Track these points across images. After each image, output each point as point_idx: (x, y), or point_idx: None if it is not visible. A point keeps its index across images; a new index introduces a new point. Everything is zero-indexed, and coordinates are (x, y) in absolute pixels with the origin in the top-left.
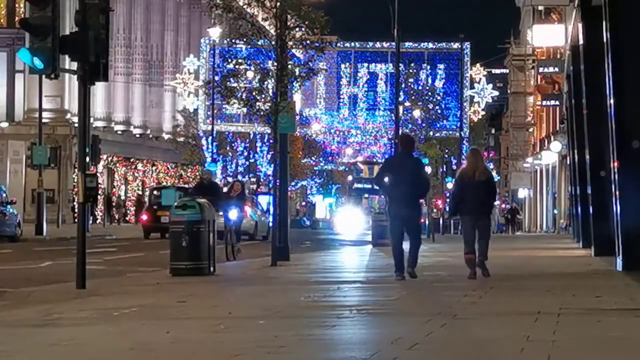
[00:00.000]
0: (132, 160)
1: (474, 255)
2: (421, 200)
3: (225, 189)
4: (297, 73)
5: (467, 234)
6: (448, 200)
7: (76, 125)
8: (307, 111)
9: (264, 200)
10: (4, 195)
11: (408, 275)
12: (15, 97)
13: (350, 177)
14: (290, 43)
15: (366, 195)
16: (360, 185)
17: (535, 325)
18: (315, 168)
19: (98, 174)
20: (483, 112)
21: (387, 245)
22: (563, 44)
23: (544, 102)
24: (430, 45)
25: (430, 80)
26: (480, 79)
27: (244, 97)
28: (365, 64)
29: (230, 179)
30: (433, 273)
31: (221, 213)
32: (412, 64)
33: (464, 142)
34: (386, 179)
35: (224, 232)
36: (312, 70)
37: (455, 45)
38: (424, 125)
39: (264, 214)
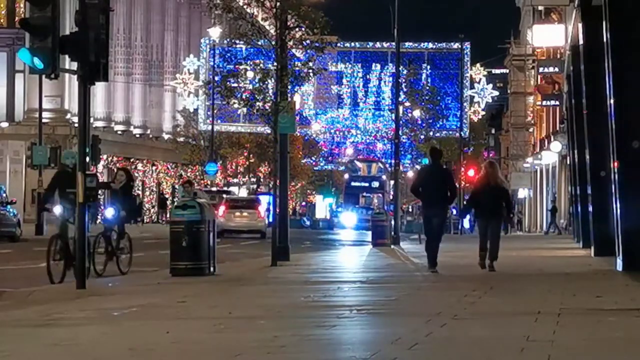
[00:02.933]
0: (132, 160)
1: (485, 252)
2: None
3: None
4: (297, 73)
5: (481, 232)
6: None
7: (76, 125)
8: (306, 111)
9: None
10: (4, 195)
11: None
12: (15, 97)
13: (346, 175)
14: (290, 43)
15: (363, 194)
16: (357, 184)
17: (535, 325)
18: (315, 168)
19: (98, 174)
20: (483, 112)
21: (387, 245)
22: (563, 44)
23: (544, 102)
24: (430, 45)
25: (430, 80)
26: (480, 79)
27: (244, 97)
28: (365, 64)
29: (232, 180)
30: (432, 273)
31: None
32: (413, 65)
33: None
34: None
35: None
36: (312, 70)
37: (455, 45)
38: (424, 125)
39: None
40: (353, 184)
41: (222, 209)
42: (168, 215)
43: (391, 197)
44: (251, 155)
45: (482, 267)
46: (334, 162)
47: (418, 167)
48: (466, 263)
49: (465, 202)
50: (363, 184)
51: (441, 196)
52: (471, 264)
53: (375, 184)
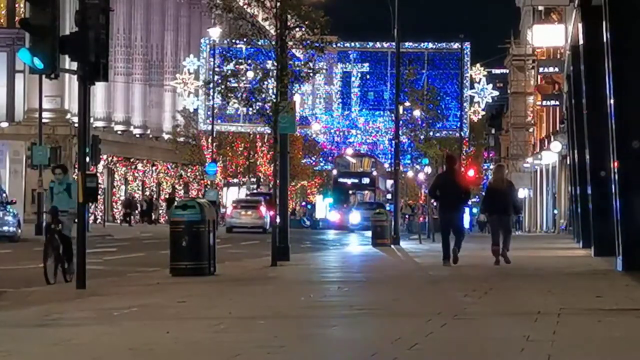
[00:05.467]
0: (132, 160)
1: (498, 247)
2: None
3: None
4: (297, 73)
5: (494, 230)
6: None
7: (76, 125)
8: (307, 111)
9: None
10: (4, 195)
11: (452, 262)
12: (15, 97)
13: (335, 171)
14: (290, 43)
15: (353, 191)
16: (345, 180)
17: (535, 325)
18: (315, 168)
19: (98, 174)
20: (483, 112)
21: (387, 244)
22: (563, 44)
23: (544, 102)
24: (430, 45)
25: (429, 80)
26: (480, 79)
27: (244, 97)
28: (365, 64)
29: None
30: (433, 273)
31: None
32: (413, 65)
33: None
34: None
35: None
36: (312, 70)
37: (455, 45)
38: (424, 125)
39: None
40: (341, 180)
41: (230, 208)
42: None
43: (389, 195)
44: (251, 154)
45: (497, 263)
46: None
47: (418, 167)
48: (466, 263)
49: (481, 204)
50: (352, 180)
51: (456, 198)
52: (471, 263)
53: (366, 180)
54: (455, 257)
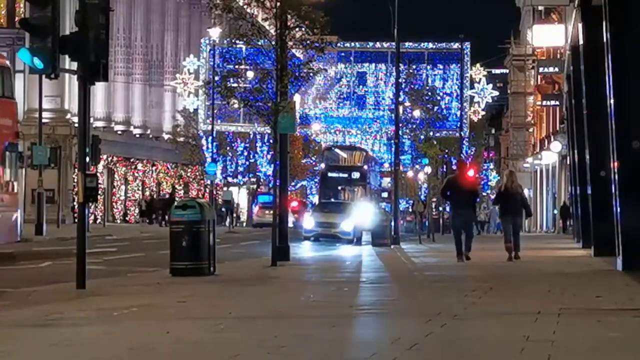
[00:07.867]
0: (132, 160)
1: (511, 244)
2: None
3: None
4: (297, 73)
5: (507, 228)
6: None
7: (76, 125)
8: (307, 111)
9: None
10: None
11: (465, 258)
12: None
13: (323, 165)
14: (290, 43)
15: (343, 187)
16: (335, 175)
17: (535, 325)
18: (315, 168)
19: (98, 174)
20: (483, 112)
21: (387, 245)
22: (563, 44)
23: (544, 102)
24: (430, 45)
25: (430, 80)
26: (480, 79)
27: (244, 97)
28: (365, 64)
29: (230, 179)
30: (433, 273)
31: None
32: (413, 65)
33: (464, 142)
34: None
35: None
36: (312, 70)
37: (455, 45)
38: (423, 125)
39: None
40: (330, 174)
41: (256, 208)
42: None
43: (385, 194)
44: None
45: (509, 259)
46: None
47: (418, 167)
48: (467, 262)
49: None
50: (342, 174)
51: (467, 199)
52: (472, 263)
53: (356, 175)
54: (467, 256)
